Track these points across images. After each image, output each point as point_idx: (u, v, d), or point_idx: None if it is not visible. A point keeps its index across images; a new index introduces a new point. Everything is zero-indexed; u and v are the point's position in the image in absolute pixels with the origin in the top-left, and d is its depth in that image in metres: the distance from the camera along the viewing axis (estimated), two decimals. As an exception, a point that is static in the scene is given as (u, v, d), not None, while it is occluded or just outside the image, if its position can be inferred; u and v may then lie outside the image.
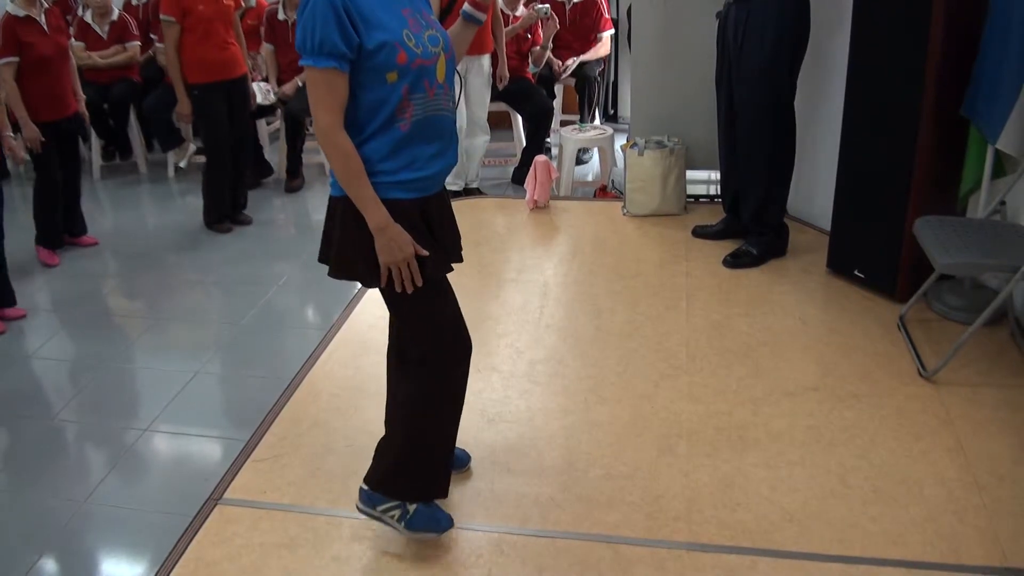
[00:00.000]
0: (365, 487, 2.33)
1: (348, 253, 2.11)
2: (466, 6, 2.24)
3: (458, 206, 4.98)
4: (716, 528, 2.41)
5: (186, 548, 2.39)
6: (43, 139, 4.36)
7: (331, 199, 2.14)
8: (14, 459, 2.99)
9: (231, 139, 4.98)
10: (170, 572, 2.31)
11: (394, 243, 2.03)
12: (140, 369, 3.59)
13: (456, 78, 2.23)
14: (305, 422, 2.95)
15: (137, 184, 6.20)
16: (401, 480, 2.29)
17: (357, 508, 2.34)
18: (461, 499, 2.56)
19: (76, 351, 3.83)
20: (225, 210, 5.07)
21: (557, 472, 2.66)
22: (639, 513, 2.47)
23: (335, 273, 2.17)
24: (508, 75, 5.43)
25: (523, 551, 2.35)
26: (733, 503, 2.50)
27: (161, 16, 4.70)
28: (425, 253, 2.07)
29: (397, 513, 2.29)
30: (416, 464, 2.29)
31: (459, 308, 2.27)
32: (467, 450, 2.70)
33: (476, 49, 5.05)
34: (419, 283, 2.08)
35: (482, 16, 2.24)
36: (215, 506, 2.56)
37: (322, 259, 2.21)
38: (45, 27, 4.35)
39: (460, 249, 2.33)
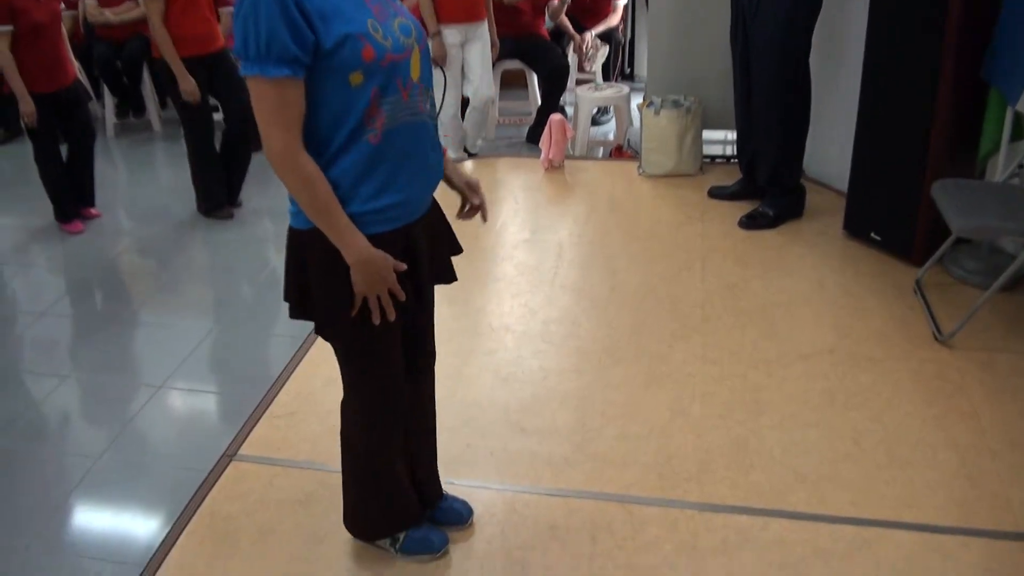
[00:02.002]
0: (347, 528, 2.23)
1: (331, 299, 1.79)
2: None
3: (471, 165, 4.98)
4: (728, 489, 2.41)
5: (201, 503, 2.42)
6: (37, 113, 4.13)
7: (292, 232, 1.80)
8: (29, 415, 3.02)
9: (211, 116, 4.58)
10: (184, 527, 2.34)
11: (378, 274, 1.73)
12: (155, 326, 3.60)
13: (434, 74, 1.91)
14: (320, 378, 2.96)
15: (151, 142, 6.20)
16: (368, 521, 2.18)
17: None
18: (475, 458, 2.57)
19: (90, 308, 3.85)
20: (221, 195, 4.70)
21: (570, 432, 2.67)
22: (652, 473, 2.48)
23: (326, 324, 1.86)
24: (498, 43, 5.20)
25: (536, 510, 2.36)
26: (746, 464, 2.50)
27: None
28: (403, 267, 1.79)
29: (388, 540, 2.20)
30: (376, 504, 2.14)
31: (401, 371, 1.97)
32: (480, 407, 2.69)
33: (472, 16, 4.86)
34: (391, 317, 1.79)
35: None
36: (230, 462, 2.59)
37: (298, 313, 1.87)
38: None
39: (451, 271, 2.05)
